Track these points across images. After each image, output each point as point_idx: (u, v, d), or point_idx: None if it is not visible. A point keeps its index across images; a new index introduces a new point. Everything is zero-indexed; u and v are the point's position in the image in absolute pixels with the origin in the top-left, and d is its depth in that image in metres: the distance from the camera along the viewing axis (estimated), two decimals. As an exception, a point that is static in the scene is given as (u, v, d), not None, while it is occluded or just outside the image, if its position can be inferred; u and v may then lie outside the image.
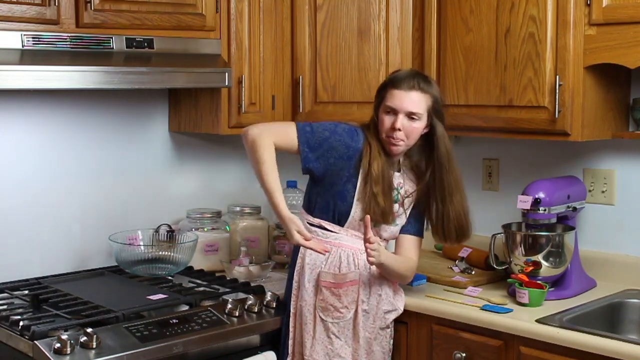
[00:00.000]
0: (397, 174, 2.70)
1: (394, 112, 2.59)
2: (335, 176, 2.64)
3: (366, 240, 2.47)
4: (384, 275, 2.66)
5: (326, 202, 2.66)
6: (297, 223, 2.49)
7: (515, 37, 2.80)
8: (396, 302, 2.72)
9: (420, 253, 2.78)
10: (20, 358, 2.34)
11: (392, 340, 2.76)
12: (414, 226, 2.74)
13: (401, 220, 2.72)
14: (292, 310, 2.67)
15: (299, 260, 2.69)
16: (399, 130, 2.58)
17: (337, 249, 2.64)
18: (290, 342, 2.66)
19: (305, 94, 3.16)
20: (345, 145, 2.62)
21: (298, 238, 2.48)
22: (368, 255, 2.48)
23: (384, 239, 2.71)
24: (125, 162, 3.22)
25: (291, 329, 2.67)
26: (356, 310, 2.63)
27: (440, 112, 2.64)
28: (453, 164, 2.67)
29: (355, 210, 2.63)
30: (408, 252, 2.72)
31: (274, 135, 2.60)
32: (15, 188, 2.93)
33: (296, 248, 2.70)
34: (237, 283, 2.95)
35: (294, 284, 2.69)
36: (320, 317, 2.61)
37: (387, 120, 2.60)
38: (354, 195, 2.63)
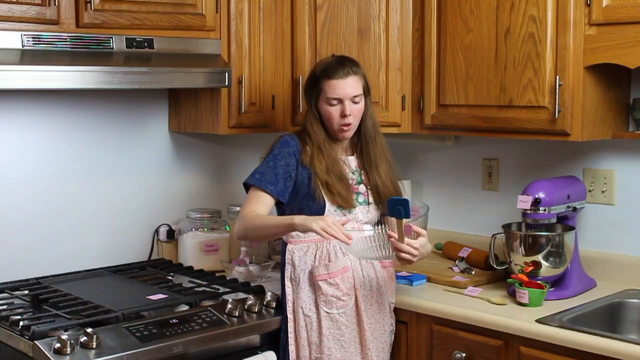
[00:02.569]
0: (352, 157, 2.78)
1: (339, 101, 2.67)
2: (299, 183, 2.70)
3: (402, 250, 2.49)
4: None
5: (300, 208, 2.68)
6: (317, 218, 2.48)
7: (515, 37, 2.80)
8: (390, 292, 2.75)
9: None
10: (20, 358, 2.34)
11: (392, 336, 2.78)
12: None
13: (373, 199, 2.76)
14: (289, 315, 2.66)
15: (287, 266, 2.69)
16: (349, 115, 2.67)
17: (323, 243, 2.66)
18: (292, 347, 2.66)
19: (305, 94, 3.16)
20: (289, 154, 2.69)
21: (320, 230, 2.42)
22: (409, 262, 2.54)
23: (365, 222, 2.73)
24: (125, 162, 3.22)
25: (290, 334, 2.66)
26: (356, 297, 2.65)
27: (368, 87, 2.75)
28: (379, 135, 2.78)
29: (330, 209, 2.67)
30: None
31: (247, 211, 2.63)
32: (15, 188, 2.94)
33: (282, 252, 2.73)
34: (237, 283, 2.95)
35: (288, 290, 2.68)
36: (325, 311, 2.62)
37: (334, 111, 2.68)
38: (323, 198, 2.67)
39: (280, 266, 2.76)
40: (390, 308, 2.76)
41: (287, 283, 2.68)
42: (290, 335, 2.66)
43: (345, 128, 2.69)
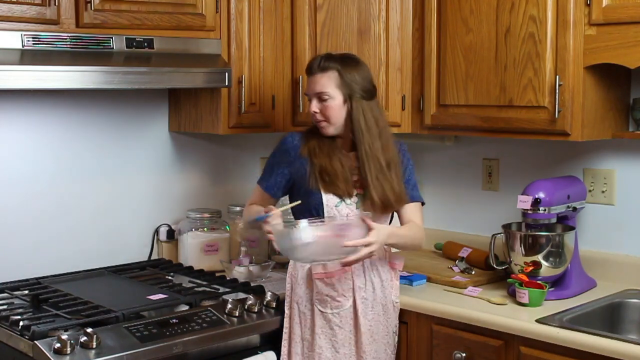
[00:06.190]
0: (352, 153, 2.71)
1: (309, 97, 2.70)
2: (298, 180, 2.71)
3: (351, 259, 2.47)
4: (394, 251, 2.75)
5: (304, 201, 2.68)
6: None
7: (515, 37, 2.80)
8: (394, 292, 2.74)
9: (421, 214, 2.79)
10: (20, 358, 2.34)
11: (396, 337, 2.77)
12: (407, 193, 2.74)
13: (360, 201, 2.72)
14: (287, 311, 2.68)
15: (290, 261, 2.71)
16: (315, 112, 2.66)
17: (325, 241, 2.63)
18: (285, 342, 2.67)
19: (305, 94, 3.16)
20: (283, 151, 2.74)
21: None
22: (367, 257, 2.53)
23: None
24: (126, 162, 3.22)
25: (285, 329, 2.67)
26: (354, 299, 2.64)
27: (350, 84, 2.63)
28: (370, 137, 2.65)
29: (327, 199, 2.66)
30: (410, 218, 2.75)
31: (247, 205, 2.82)
32: (15, 188, 2.93)
33: None
34: (237, 283, 2.95)
35: (287, 285, 2.70)
36: (319, 309, 2.62)
37: (309, 106, 2.70)
38: (317, 186, 2.67)
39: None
40: (394, 308, 2.75)
41: (287, 279, 2.70)
42: (285, 330, 2.67)
43: (317, 124, 2.69)
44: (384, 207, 2.66)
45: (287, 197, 2.83)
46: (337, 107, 2.65)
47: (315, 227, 2.48)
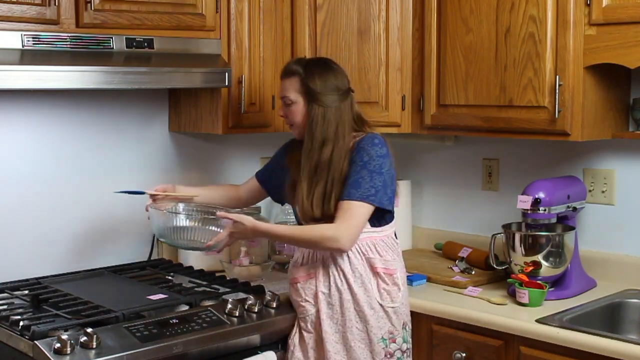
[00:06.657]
0: None
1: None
2: (281, 188, 2.76)
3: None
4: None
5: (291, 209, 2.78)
6: None
7: (515, 37, 2.80)
8: (382, 297, 2.61)
9: (351, 213, 2.50)
10: (20, 358, 2.34)
11: (393, 344, 2.61)
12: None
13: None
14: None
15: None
16: (283, 116, 2.71)
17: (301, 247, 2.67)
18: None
19: (305, 94, 3.16)
20: (278, 152, 2.88)
21: None
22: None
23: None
24: (125, 162, 3.22)
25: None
26: (319, 305, 2.62)
27: (310, 89, 2.59)
28: (316, 142, 2.58)
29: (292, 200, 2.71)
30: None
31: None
32: (15, 188, 2.93)
33: None
34: (237, 283, 2.95)
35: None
36: (296, 314, 2.69)
37: None
38: (290, 198, 2.73)
39: None
40: (387, 314, 2.60)
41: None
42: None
43: (290, 128, 2.72)
44: (300, 215, 2.65)
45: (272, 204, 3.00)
46: (298, 112, 2.64)
47: (190, 218, 2.73)
